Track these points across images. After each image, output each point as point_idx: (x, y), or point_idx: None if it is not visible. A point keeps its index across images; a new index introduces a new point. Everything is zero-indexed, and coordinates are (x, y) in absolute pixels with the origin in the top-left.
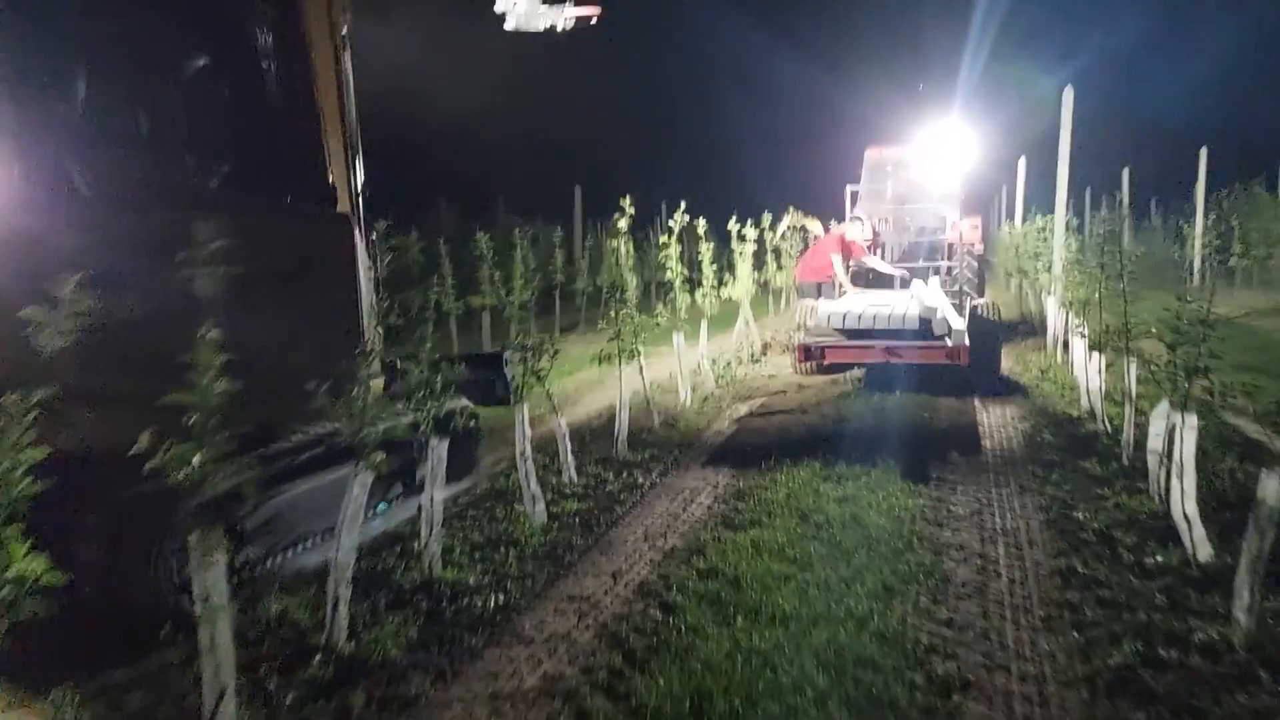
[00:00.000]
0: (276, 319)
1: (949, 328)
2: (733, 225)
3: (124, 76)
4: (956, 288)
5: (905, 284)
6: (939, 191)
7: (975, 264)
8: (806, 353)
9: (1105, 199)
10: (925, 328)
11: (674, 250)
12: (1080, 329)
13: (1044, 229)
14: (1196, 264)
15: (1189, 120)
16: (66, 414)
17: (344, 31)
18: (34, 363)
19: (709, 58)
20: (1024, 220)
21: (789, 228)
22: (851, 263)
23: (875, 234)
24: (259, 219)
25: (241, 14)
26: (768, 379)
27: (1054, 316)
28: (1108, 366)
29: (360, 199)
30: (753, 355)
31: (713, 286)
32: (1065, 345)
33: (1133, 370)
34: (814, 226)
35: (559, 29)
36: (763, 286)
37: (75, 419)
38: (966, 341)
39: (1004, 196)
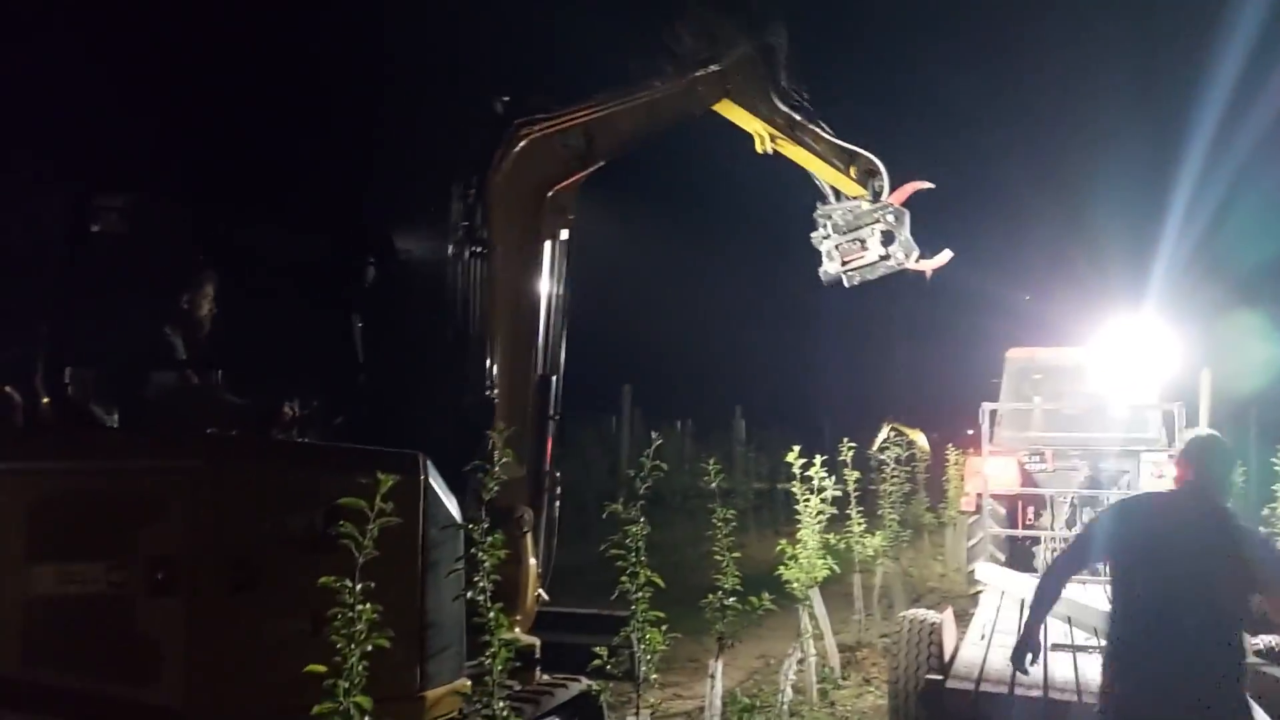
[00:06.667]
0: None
1: None
2: (793, 457)
3: None
4: None
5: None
6: (1128, 417)
7: None
8: None
9: None
10: None
11: None
12: None
13: None
14: None
15: None
16: None
17: (563, 236)
18: None
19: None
20: None
21: (886, 440)
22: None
23: (1024, 473)
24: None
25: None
26: None
27: None
28: None
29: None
30: (827, 684)
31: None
32: None
33: None
34: (919, 440)
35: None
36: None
37: None
38: None
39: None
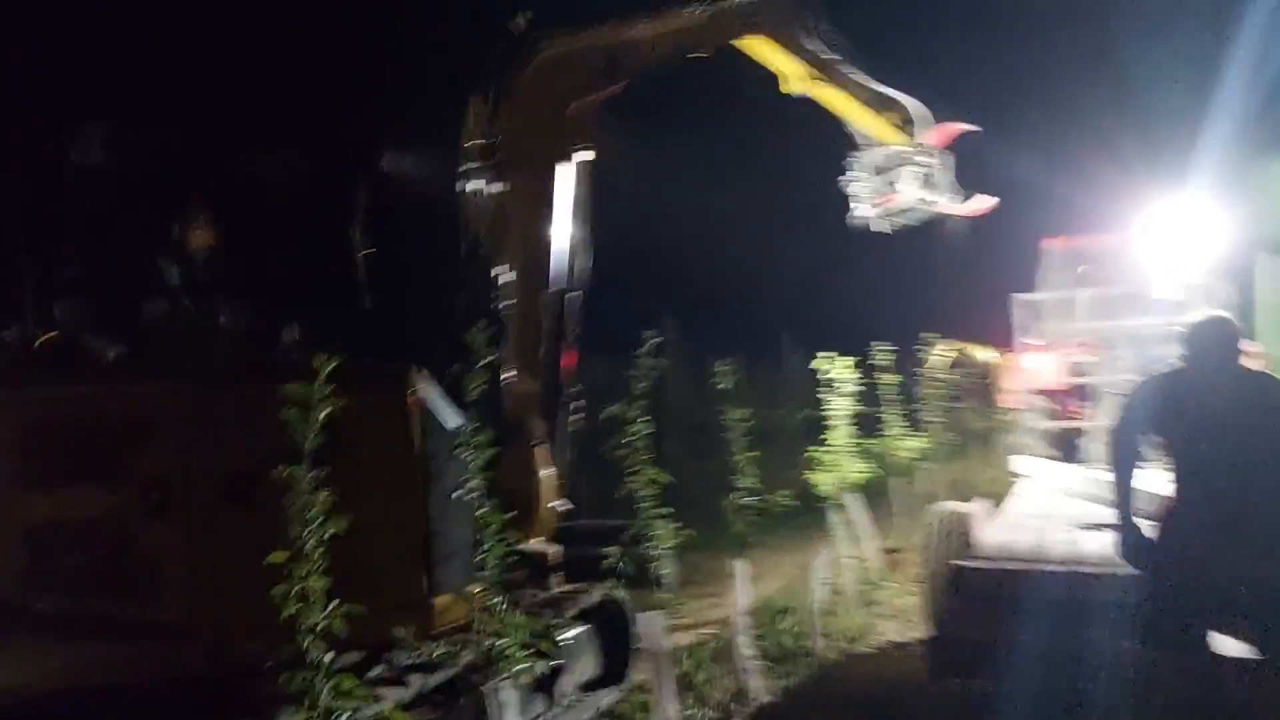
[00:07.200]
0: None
1: None
2: (820, 362)
3: None
4: None
5: None
6: (1174, 301)
7: None
8: None
9: None
10: None
11: None
12: None
13: None
14: None
15: None
16: None
17: (583, 157)
18: None
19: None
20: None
21: (954, 363)
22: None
23: (1068, 365)
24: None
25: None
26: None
27: None
28: None
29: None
30: (867, 585)
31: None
32: None
33: None
34: (989, 357)
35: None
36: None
37: None
38: None
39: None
